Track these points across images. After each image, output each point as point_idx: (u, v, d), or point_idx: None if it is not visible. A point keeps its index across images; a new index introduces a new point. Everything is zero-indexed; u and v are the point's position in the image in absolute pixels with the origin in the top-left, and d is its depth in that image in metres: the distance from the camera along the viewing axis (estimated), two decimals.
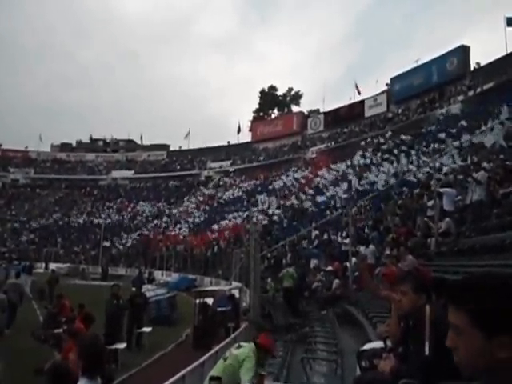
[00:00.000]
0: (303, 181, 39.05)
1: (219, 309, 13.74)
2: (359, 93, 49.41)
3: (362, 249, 13.47)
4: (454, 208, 11.34)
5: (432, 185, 13.02)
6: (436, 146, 24.05)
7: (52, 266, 36.10)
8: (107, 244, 43.02)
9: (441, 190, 11.55)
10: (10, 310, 13.47)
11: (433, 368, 2.50)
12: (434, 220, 11.11)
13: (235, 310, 13.64)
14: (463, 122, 25.86)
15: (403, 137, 33.00)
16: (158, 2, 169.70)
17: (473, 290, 1.19)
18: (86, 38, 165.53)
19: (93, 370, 3.17)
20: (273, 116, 66.34)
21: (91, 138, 75.11)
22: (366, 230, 16.79)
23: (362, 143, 39.74)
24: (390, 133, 37.71)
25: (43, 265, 39.79)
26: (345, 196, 25.61)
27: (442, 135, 25.89)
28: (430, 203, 12.17)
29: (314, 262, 17.49)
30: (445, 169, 16.31)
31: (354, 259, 13.59)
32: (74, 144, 74.74)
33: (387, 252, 12.15)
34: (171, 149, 69.60)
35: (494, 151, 15.54)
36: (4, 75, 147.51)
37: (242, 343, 4.70)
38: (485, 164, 14.29)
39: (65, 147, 73.22)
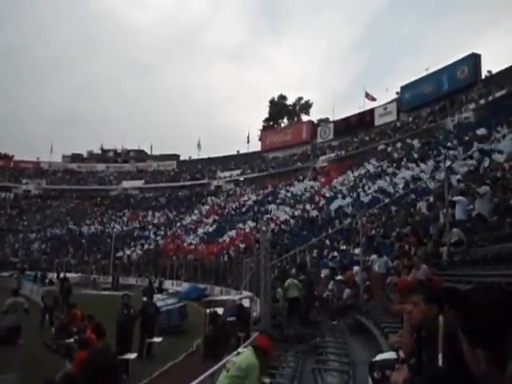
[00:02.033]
0: (313, 190, 38.96)
1: (229, 318, 13.69)
2: (374, 99, 49.28)
3: (373, 257, 13.32)
4: (467, 217, 11.23)
5: (444, 193, 12.90)
6: (447, 154, 23.91)
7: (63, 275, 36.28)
8: (118, 254, 43.13)
9: (454, 198, 11.44)
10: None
11: (446, 379, 2.47)
12: (446, 229, 10.99)
13: (243, 320, 13.56)
14: (475, 131, 25.72)
15: (414, 145, 32.92)
16: (168, 13, 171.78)
17: (461, 302, 1.23)
18: (96, 49, 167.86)
19: (104, 382, 3.15)
20: (282, 125, 66.50)
21: (102, 149, 75.90)
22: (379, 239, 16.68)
23: (373, 152, 39.63)
24: (400, 141, 37.62)
25: (55, 275, 39.97)
26: (355, 205, 25.50)
27: (453, 143, 25.77)
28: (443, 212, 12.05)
29: (325, 272, 17.38)
30: (456, 177, 16.19)
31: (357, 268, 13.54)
32: (85, 155, 75.58)
33: (395, 262, 12.05)
34: (181, 158, 70.06)
35: (507, 159, 15.42)
36: (16, 87, 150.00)
37: (241, 350, 4.60)
38: (498, 173, 14.22)
39: (76, 158, 74.06)
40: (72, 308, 12.15)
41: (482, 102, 33.32)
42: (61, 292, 20.72)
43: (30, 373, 8.64)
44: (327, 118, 58.68)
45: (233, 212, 46.11)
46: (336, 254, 19.07)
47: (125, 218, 56.85)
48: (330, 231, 20.78)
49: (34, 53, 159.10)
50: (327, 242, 21.05)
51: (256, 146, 63.53)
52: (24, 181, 66.82)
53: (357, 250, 16.04)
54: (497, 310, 1.14)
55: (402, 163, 29.56)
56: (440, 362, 2.56)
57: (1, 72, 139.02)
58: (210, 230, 43.10)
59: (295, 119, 66.69)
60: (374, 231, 18.32)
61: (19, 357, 9.01)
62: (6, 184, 65.93)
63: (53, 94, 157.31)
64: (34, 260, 46.58)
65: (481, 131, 24.66)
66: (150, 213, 56.89)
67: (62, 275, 33.61)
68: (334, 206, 28.11)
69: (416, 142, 33.67)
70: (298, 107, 67.88)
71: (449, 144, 26.54)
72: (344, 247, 19.64)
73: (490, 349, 1.12)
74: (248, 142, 62.73)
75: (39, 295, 23.28)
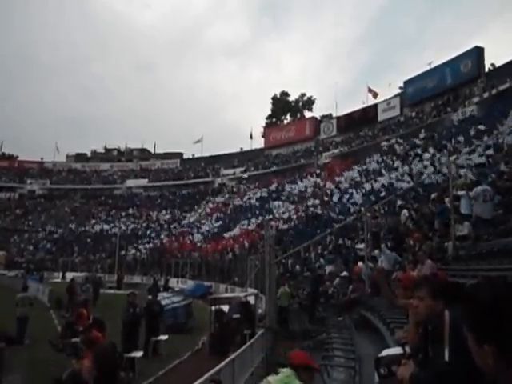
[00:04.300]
0: (317, 186, 38.89)
1: (234, 316, 13.69)
2: (375, 96, 49.07)
3: (387, 252, 13.22)
4: (472, 211, 11.16)
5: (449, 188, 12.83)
6: (451, 148, 23.83)
7: (69, 274, 36.42)
8: (123, 252, 43.24)
9: (459, 192, 11.38)
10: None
11: (453, 374, 2.45)
12: (451, 223, 10.94)
13: (248, 317, 13.56)
14: (479, 124, 25.60)
15: (418, 140, 32.79)
16: (170, 12, 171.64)
17: (466, 298, 1.23)
18: (100, 49, 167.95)
19: (107, 380, 3.15)
20: (285, 122, 66.39)
21: (105, 148, 76.03)
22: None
23: (376, 147, 39.49)
24: (404, 136, 37.47)
25: (60, 274, 40.17)
26: (360, 200, 25.44)
27: (458, 138, 25.66)
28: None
29: (329, 268, 17.35)
30: (461, 172, 16.13)
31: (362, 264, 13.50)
32: (89, 154, 75.69)
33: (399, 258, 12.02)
34: (184, 157, 70.09)
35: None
36: (19, 87, 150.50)
37: (281, 369, 4.32)
38: (502, 166, 14.14)
39: (80, 157, 74.22)
40: (78, 307, 12.18)
41: (486, 95, 33.14)
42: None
43: (36, 372, 8.68)
44: (330, 114, 58.55)
45: (237, 209, 46.12)
46: (322, 260, 19.00)
47: (129, 217, 56.99)
48: (334, 227, 20.72)
49: (39, 53, 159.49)
50: (332, 237, 21.02)
51: (259, 143, 63.58)
52: (28, 181, 67.04)
53: (361, 245, 16.00)
54: (501, 305, 1.13)
55: (406, 158, 29.45)
56: (446, 357, 2.55)
57: (6, 72, 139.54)
58: (215, 227, 43.14)
59: (298, 116, 66.57)
60: (377, 227, 18.26)
61: (25, 357, 9.05)
62: (11, 184, 66.23)
63: (56, 94, 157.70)
64: (39, 260, 46.79)
65: (485, 125, 24.55)
66: (155, 211, 56.98)
67: (40, 273, 34.92)
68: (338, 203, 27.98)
69: (420, 137, 33.55)
70: (300, 104, 67.70)
71: (453, 138, 26.42)
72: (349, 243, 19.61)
73: (497, 344, 1.12)
74: (251, 138, 62.66)
75: (45, 295, 23.47)
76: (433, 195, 15.12)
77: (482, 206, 10.28)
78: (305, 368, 4.08)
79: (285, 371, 4.12)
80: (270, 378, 4.11)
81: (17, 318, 13.45)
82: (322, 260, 19.30)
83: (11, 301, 14.98)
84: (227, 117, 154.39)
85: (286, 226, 30.43)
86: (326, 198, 32.18)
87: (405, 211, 15.72)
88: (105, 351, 3.50)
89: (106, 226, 54.60)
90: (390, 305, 8.50)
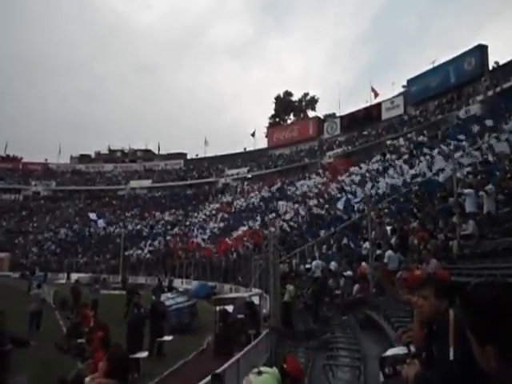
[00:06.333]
0: (321, 186, 38.83)
1: (239, 316, 13.67)
2: (376, 95, 49.00)
3: (389, 253, 13.19)
4: (477, 209, 11.12)
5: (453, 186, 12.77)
6: (455, 147, 23.72)
7: (74, 275, 36.53)
8: (127, 253, 43.27)
9: (465, 191, 11.34)
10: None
11: (458, 373, 2.44)
12: (456, 222, 10.91)
13: (253, 317, 13.54)
14: (483, 123, 25.48)
15: (422, 138, 32.69)
16: (172, 12, 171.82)
17: (468, 300, 1.25)
18: (102, 50, 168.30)
19: (119, 380, 3.19)
20: (289, 122, 66.36)
21: (109, 149, 76.16)
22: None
23: (380, 146, 39.41)
24: (408, 135, 37.38)
25: (65, 275, 40.28)
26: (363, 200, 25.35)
27: (462, 136, 25.54)
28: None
29: (333, 266, 17.30)
30: (465, 170, 16.05)
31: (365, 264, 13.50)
32: (93, 155, 75.87)
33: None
34: (188, 157, 70.19)
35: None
36: (22, 89, 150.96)
37: (263, 368, 4.15)
38: (506, 164, 14.08)
39: (84, 159, 74.44)
40: (83, 308, 12.20)
41: (490, 93, 33.00)
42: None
43: (42, 373, 8.71)
44: (334, 114, 58.43)
45: (241, 209, 46.11)
46: (315, 263, 18.85)
47: (133, 218, 57.05)
48: (338, 227, 20.68)
49: (40, 54, 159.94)
50: (336, 237, 20.96)
51: (263, 143, 63.63)
52: (33, 182, 67.35)
53: (365, 245, 15.94)
54: (502, 305, 1.13)
55: (410, 157, 29.36)
56: (451, 356, 2.54)
57: (9, 74, 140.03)
58: (219, 227, 43.12)
59: (301, 115, 66.53)
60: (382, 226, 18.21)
61: (31, 358, 9.08)
62: (16, 186, 66.54)
63: (59, 96, 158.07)
64: (44, 261, 46.92)
65: (489, 123, 24.44)
66: (159, 212, 57.03)
67: (44, 273, 34.60)
68: (340, 204, 27.80)
69: (424, 136, 33.44)
70: (303, 103, 67.65)
71: (457, 136, 26.32)
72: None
73: (499, 345, 1.12)
74: (253, 135, 62.61)
75: (50, 296, 23.54)
76: (438, 194, 15.09)
77: (492, 203, 10.27)
78: (293, 380, 3.91)
79: (270, 371, 3.97)
80: (254, 378, 3.97)
81: (30, 312, 14.94)
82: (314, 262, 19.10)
83: (17, 300, 15.18)
84: (229, 116, 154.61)
85: (290, 226, 30.38)
86: (329, 197, 32.10)
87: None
88: (118, 352, 3.53)
89: (110, 227, 54.67)
90: (394, 300, 8.49)
